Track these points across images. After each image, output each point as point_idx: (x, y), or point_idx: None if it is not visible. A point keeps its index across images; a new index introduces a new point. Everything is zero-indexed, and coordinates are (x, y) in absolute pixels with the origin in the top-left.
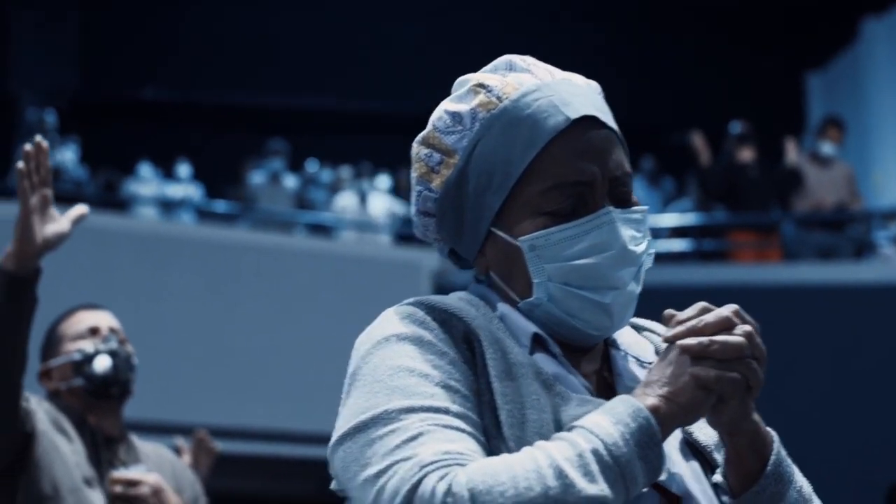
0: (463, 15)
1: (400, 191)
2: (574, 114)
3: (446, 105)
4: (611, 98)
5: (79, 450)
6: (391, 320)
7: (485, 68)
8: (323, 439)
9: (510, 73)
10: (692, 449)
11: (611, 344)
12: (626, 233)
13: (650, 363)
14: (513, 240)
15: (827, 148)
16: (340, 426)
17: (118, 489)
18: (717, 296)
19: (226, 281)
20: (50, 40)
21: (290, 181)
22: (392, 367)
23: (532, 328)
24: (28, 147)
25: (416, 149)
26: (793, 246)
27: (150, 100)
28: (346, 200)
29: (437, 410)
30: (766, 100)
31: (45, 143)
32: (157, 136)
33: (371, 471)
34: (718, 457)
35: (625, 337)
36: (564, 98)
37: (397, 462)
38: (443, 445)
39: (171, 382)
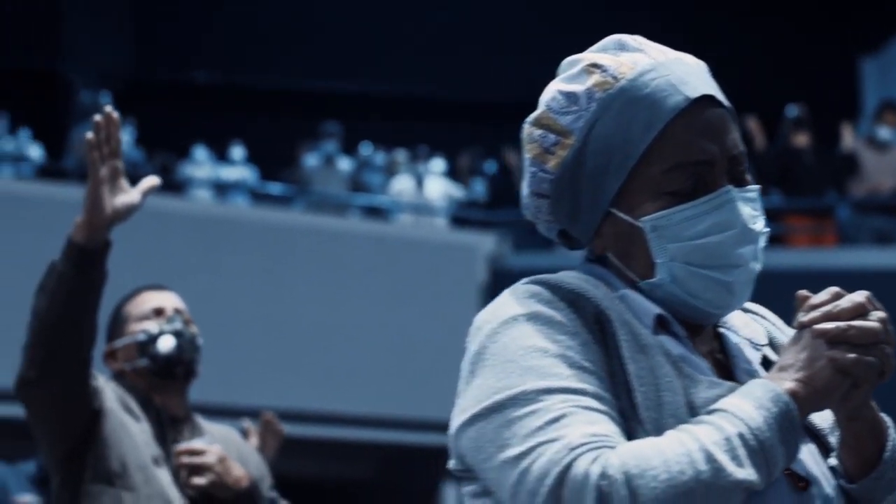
0: (518, 1)
1: (457, 174)
2: (693, 93)
3: (559, 86)
4: None
5: (145, 429)
6: (517, 299)
7: (592, 48)
8: (378, 422)
9: (622, 52)
10: (808, 431)
11: (720, 325)
12: (746, 211)
13: (763, 345)
14: (634, 220)
15: (884, 132)
16: (470, 406)
17: (183, 459)
18: (773, 280)
19: (280, 263)
20: (103, 23)
21: (345, 164)
22: (524, 347)
23: (655, 309)
24: (98, 118)
25: (529, 130)
26: (849, 230)
27: (204, 83)
28: (402, 184)
29: (574, 392)
30: (820, 84)
31: (115, 114)
32: (211, 120)
33: (512, 452)
34: (833, 440)
35: (734, 318)
36: (681, 77)
37: (542, 444)
38: (587, 427)
39: (224, 365)
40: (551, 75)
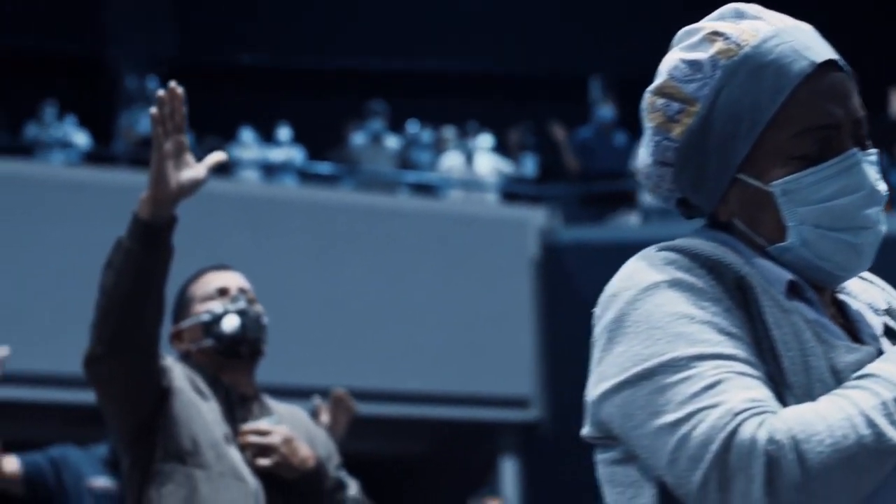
0: None
1: (505, 150)
2: (817, 58)
3: (681, 55)
4: None
5: (214, 408)
6: (654, 266)
7: (709, 17)
8: (433, 398)
9: (741, 20)
10: None
11: (838, 290)
12: (871, 173)
13: (883, 311)
14: (763, 185)
15: None
16: (614, 374)
17: (249, 439)
18: None
19: (331, 242)
20: (147, 8)
21: (392, 142)
22: (670, 313)
23: (787, 275)
24: (161, 92)
25: (651, 99)
26: None
27: (249, 65)
28: (451, 160)
29: (726, 358)
30: (868, 50)
31: (179, 89)
32: (257, 101)
33: (668, 418)
34: None
35: (852, 284)
36: (804, 43)
37: (701, 409)
38: (745, 393)
39: (275, 345)
40: (597, 50)
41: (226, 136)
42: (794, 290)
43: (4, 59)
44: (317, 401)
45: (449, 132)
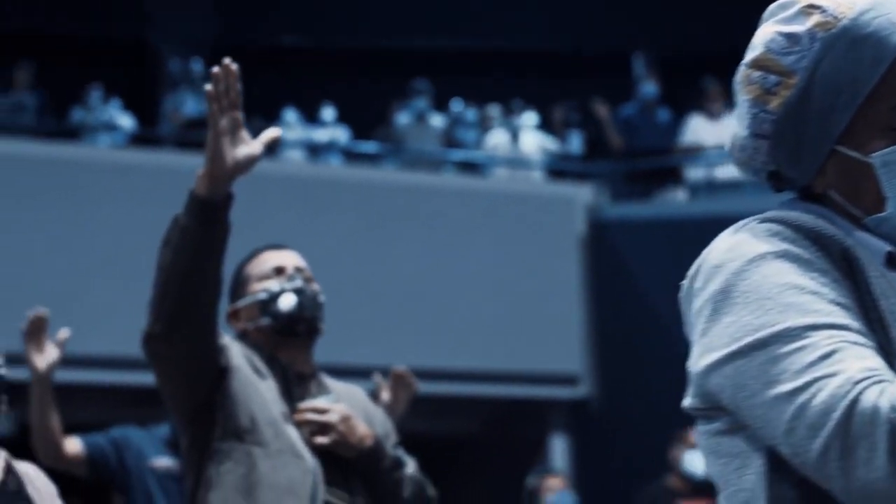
0: None
1: (551, 127)
2: None
3: (777, 27)
4: None
5: (272, 387)
6: (758, 238)
7: None
8: (483, 376)
9: None
10: None
11: None
12: None
13: None
14: (862, 157)
15: None
16: (723, 344)
17: (307, 417)
18: None
19: (377, 221)
20: None
21: (437, 120)
22: (778, 284)
23: (885, 246)
24: (216, 69)
25: (747, 72)
26: None
27: (291, 46)
28: (496, 138)
29: (839, 328)
30: None
31: (233, 66)
32: (300, 82)
33: (785, 388)
34: None
35: None
36: None
37: (819, 378)
38: (861, 362)
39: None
40: (640, 27)
41: (269, 118)
42: (892, 262)
43: (49, 44)
44: (377, 378)
45: (494, 110)
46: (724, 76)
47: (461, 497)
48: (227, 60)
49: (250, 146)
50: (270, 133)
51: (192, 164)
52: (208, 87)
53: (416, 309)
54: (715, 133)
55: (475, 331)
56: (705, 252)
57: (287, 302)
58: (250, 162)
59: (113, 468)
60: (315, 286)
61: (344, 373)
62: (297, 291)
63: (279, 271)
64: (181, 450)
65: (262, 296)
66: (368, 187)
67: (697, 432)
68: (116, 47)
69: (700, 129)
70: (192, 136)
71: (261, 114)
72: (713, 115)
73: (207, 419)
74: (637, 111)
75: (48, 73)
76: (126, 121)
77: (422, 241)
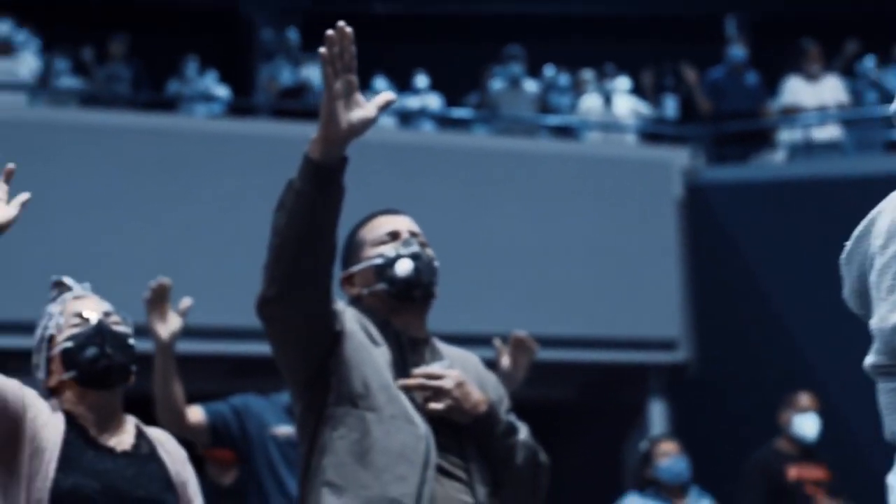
0: None
1: (643, 91)
2: None
3: None
4: None
5: (385, 352)
6: None
7: None
8: (581, 342)
9: None
10: None
11: None
12: None
13: None
14: None
15: None
16: None
17: (421, 381)
18: None
19: (474, 187)
20: None
21: (530, 86)
22: None
23: None
24: (330, 32)
25: None
26: None
27: (383, 13)
28: (590, 102)
29: None
30: None
31: (348, 29)
32: (392, 50)
33: None
34: None
35: None
36: None
37: None
38: None
39: None
40: None
41: (361, 86)
42: None
43: (142, 16)
44: (497, 342)
45: (587, 74)
46: (823, 37)
47: (560, 463)
48: (341, 23)
49: (365, 109)
50: (385, 96)
51: (287, 134)
52: (322, 49)
53: (512, 276)
54: (813, 94)
55: (572, 296)
56: (877, 211)
57: (404, 267)
58: (365, 125)
59: (234, 436)
60: (430, 251)
61: (443, 339)
62: (414, 256)
63: (394, 236)
64: (295, 414)
65: (378, 261)
66: (463, 153)
67: (880, 390)
68: (208, 18)
69: (798, 91)
70: (287, 105)
71: None
72: (811, 76)
73: (321, 384)
74: (725, 74)
75: (142, 45)
76: (222, 91)
77: (518, 208)
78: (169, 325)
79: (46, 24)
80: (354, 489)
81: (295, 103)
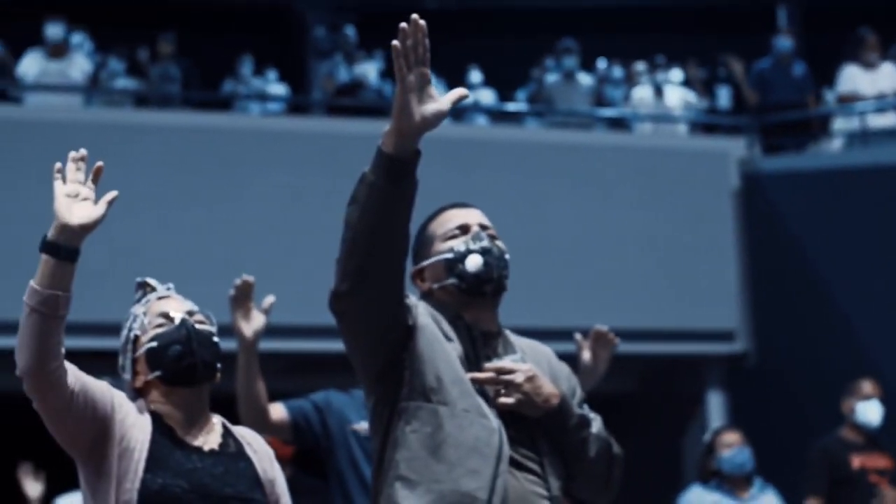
0: None
1: (696, 82)
2: None
3: None
4: None
5: (457, 346)
6: None
7: None
8: (639, 334)
9: None
10: None
11: None
12: None
13: None
14: None
15: None
16: None
17: (492, 375)
18: None
19: (530, 181)
20: None
21: (584, 79)
22: None
23: None
24: (403, 25)
25: None
26: None
27: (436, 9)
28: (642, 94)
29: None
30: None
31: (421, 22)
32: (446, 45)
33: None
34: None
35: None
36: None
37: None
38: None
39: None
40: None
41: None
42: None
43: (194, 14)
44: (577, 336)
45: (640, 66)
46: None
47: None
48: (414, 16)
49: (438, 102)
50: (459, 92)
51: (342, 131)
52: (395, 42)
53: (572, 268)
54: (870, 82)
55: (630, 288)
56: None
57: (474, 262)
58: (438, 118)
59: (317, 432)
60: (500, 244)
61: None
62: (484, 251)
63: (464, 230)
64: (367, 408)
65: (448, 256)
66: (518, 147)
67: None
68: (261, 16)
69: (855, 79)
70: (343, 102)
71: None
72: (868, 64)
73: (394, 378)
74: (772, 66)
75: (195, 44)
76: (279, 89)
77: (574, 200)
78: (253, 323)
79: (99, 26)
80: (427, 483)
81: (350, 100)
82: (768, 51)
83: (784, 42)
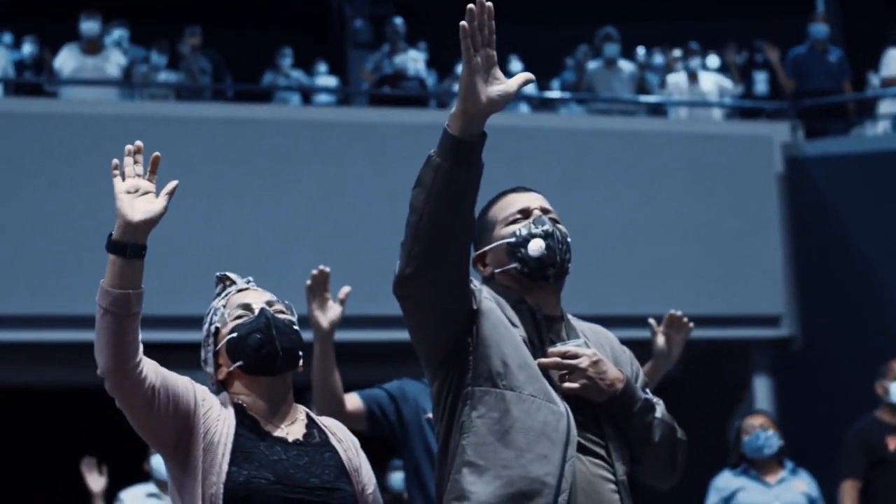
0: None
1: (730, 69)
2: None
3: None
4: None
5: (520, 331)
6: None
7: None
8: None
9: None
10: None
11: None
12: None
13: None
14: None
15: None
16: None
17: (556, 360)
18: None
19: (574, 167)
20: None
21: (625, 66)
22: None
23: None
24: (471, 6)
25: None
26: None
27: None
28: (676, 79)
29: None
30: None
31: (488, 3)
32: None
33: None
34: None
35: None
36: None
37: None
38: None
39: None
40: None
41: (442, 75)
42: None
43: (237, 11)
44: (651, 320)
45: (677, 53)
46: None
47: None
48: None
49: (505, 84)
50: (525, 75)
51: (386, 120)
52: (463, 23)
53: (615, 255)
54: None
55: (675, 274)
56: None
57: (536, 247)
58: (505, 100)
59: (391, 421)
60: (562, 227)
61: None
62: (546, 235)
63: (525, 213)
64: (432, 395)
65: (510, 240)
66: (560, 134)
67: None
68: (302, 9)
69: None
70: (385, 92)
71: (441, 69)
72: None
73: (459, 363)
74: (807, 52)
75: (231, 36)
76: (322, 80)
77: (618, 187)
78: (329, 314)
79: (134, 20)
80: (496, 469)
81: (393, 91)
82: (806, 37)
83: (819, 28)
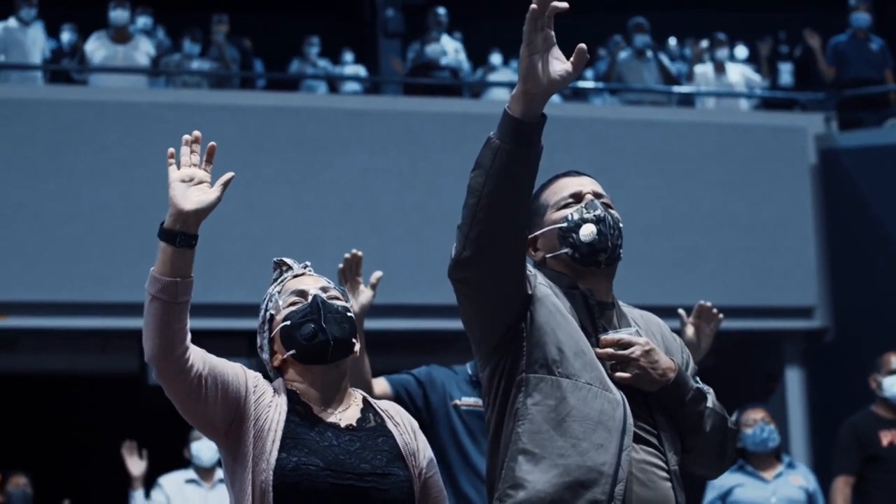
0: None
1: (758, 60)
2: None
3: None
4: None
5: (574, 317)
6: None
7: None
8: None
9: None
10: None
11: None
12: None
13: None
14: None
15: None
16: None
17: (609, 350)
18: None
19: (607, 157)
20: None
21: (655, 56)
22: None
23: None
24: None
25: None
26: None
27: None
28: (703, 70)
29: None
30: None
31: None
32: (509, 27)
33: None
34: None
35: None
36: None
37: None
38: None
39: None
40: None
41: (476, 64)
42: None
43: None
44: (680, 311)
45: (705, 44)
46: None
47: None
48: None
49: (565, 64)
50: (582, 52)
51: (415, 109)
52: (533, 6)
53: (649, 246)
54: None
55: (708, 265)
56: None
57: (588, 232)
58: (566, 80)
59: (419, 406)
60: (614, 212)
61: None
62: (598, 220)
63: (577, 198)
64: (482, 380)
65: (562, 225)
66: (594, 125)
67: None
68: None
69: None
70: (417, 81)
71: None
72: None
73: (513, 349)
74: (848, 40)
75: (265, 24)
76: (351, 69)
77: (651, 178)
78: (360, 298)
79: (162, 9)
80: (552, 457)
81: (424, 79)
82: (839, 28)
83: (861, 17)
